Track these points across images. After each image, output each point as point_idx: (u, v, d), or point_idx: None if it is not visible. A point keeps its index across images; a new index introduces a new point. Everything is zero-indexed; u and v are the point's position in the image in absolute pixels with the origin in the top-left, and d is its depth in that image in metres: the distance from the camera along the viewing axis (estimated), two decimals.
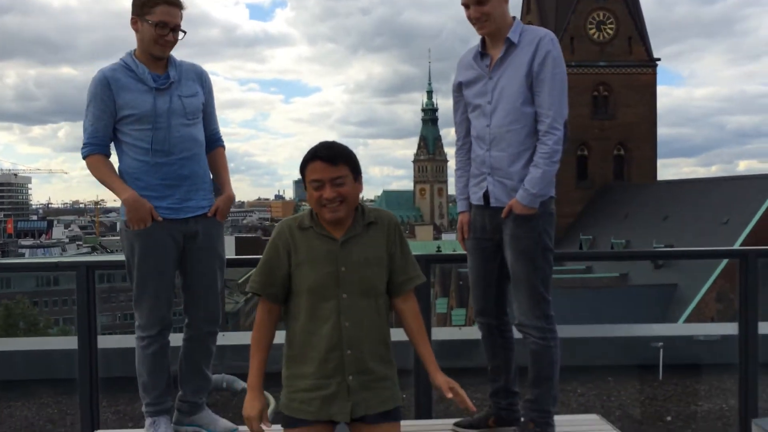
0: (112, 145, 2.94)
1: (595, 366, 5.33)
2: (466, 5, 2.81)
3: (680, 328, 5.55)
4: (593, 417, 3.22)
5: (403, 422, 2.41)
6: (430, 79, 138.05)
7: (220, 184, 3.12)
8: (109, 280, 69.50)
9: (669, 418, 4.77)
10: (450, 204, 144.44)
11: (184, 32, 2.84)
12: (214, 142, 3.12)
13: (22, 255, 78.90)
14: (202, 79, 3.03)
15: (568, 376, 4.85)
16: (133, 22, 2.83)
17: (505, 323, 3.06)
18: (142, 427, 3.02)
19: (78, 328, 3.72)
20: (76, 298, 3.74)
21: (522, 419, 2.95)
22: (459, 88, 3.02)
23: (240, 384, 3.38)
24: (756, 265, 3.82)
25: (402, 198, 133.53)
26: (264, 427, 2.31)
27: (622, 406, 4.98)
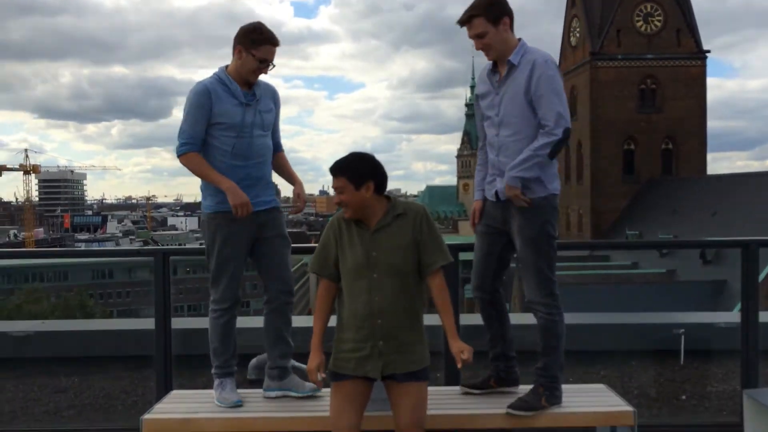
0: None
1: (620, 350, 5.64)
2: (470, 38, 3.21)
3: (702, 316, 5.75)
4: (600, 386, 3.51)
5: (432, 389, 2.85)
6: (473, 74, 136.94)
7: (290, 176, 3.63)
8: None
9: (684, 397, 5.04)
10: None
11: (274, 65, 3.34)
12: (277, 148, 3.59)
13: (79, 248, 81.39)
14: (275, 97, 3.51)
15: (594, 358, 5.13)
16: (237, 50, 3.28)
17: (497, 298, 3.43)
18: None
19: (156, 308, 4.20)
20: (153, 283, 4.23)
21: (533, 384, 3.31)
22: (477, 99, 3.44)
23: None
24: (757, 254, 4.10)
25: (445, 193, 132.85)
26: (320, 377, 2.82)
27: (641, 387, 5.27)
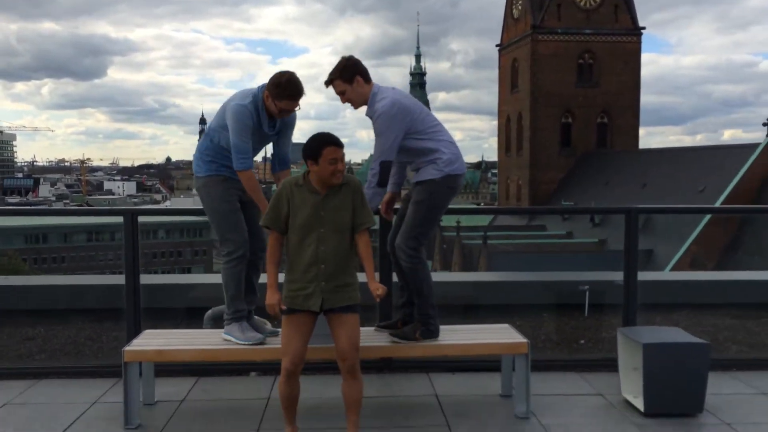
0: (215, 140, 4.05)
1: (535, 304, 6.50)
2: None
3: (604, 274, 6.64)
4: (504, 326, 4.30)
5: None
6: (418, 43, 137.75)
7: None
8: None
9: (582, 342, 5.93)
10: None
11: (299, 108, 3.93)
12: (284, 165, 4.21)
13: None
14: (292, 122, 4.11)
15: (511, 311, 5.93)
16: (266, 94, 3.86)
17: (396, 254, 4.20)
18: None
19: (125, 264, 4.73)
20: (123, 240, 4.76)
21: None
22: None
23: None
24: (637, 220, 4.94)
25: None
26: (280, 308, 3.44)
27: (547, 333, 6.15)
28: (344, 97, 3.96)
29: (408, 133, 3.95)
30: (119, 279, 4.95)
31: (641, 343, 3.95)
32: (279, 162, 4.22)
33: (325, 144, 3.40)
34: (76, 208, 41.65)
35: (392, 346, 4.03)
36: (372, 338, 4.09)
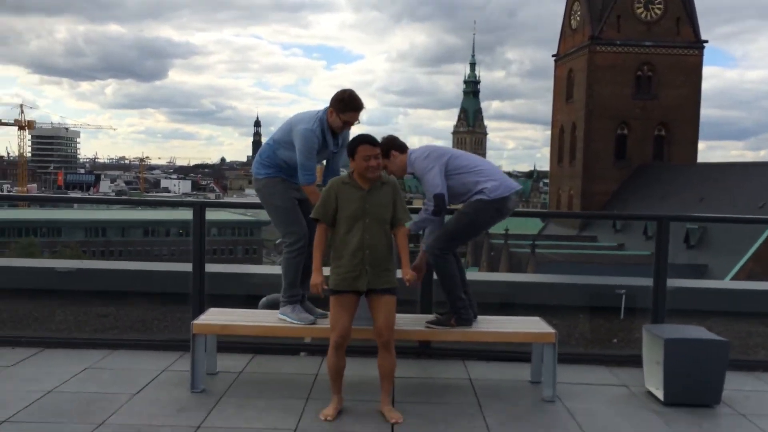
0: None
1: (573, 306, 6.79)
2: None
3: (641, 280, 6.85)
4: (536, 318, 4.65)
5: (402, 315, 4.08)
6: (473, 51, 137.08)
7: None
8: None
9: (615, 341, 6.20)
10: None
11: (359, 122, 4.37)
12: (337, 174, 4.61)
13: (71, 207, 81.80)
14: (345, 141, 4.47)
15: (548, 311, 6.24)
16: (330, 111, 4.29)
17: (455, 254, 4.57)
18: None
19: (193, 251, 5.26)
20: (192, 230, 5.29)
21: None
22: None
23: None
24: (668, 228, 5.20)
25: None
26: (322, 288, 3.88)
27: (582, 332, 6.44)
28: (387, 170, 4.38)
29: (449, 170, 4.36)
30: (184, 266, 5.46)
31: (663, 338, 4.24)
32: (330, 174, 4.59)
33: (360, 143, 3.90)
34: (151, 198, 43.36)
35: (429, 331, 4.42)
36: (412, 323, 4.49)
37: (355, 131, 4.45)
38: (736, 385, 4.69)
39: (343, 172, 4.49)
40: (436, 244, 4.41)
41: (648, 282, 6.20)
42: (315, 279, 3.92)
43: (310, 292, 4.09)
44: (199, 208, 5.28)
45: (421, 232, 4.58)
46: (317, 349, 5.19)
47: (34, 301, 6.79)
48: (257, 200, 4.77)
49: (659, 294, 5.13)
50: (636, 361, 4.92)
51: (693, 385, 4.23)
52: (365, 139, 3.93)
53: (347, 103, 4.28)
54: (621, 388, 4.64)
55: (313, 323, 4.45)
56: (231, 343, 5.19)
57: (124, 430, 3.69)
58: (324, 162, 4.57)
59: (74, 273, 7.29)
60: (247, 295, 6.58)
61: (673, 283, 6.47)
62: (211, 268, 6.29)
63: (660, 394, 4.32)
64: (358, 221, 3.88)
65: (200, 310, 5.03)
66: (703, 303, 6.91)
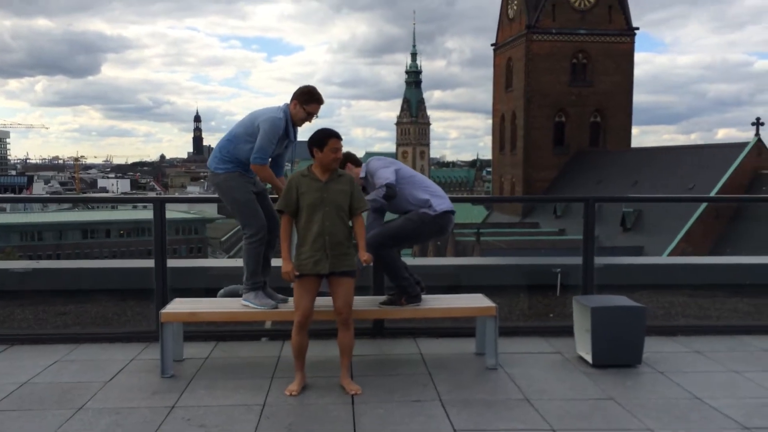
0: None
1: (514, 285, 7.30)
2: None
3: (575, 259, 7.38)
4: (479, 295, 5.11)
5: (357, 298, 4.49)
6: (414, 41, 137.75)
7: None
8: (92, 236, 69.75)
9: (551, 315, 6.73)
10: (431, 167, 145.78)
11: (318, 116, 4.73)
12: (282, 170, 5.03)
13: (4, 210, 79.07)
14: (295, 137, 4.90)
15: (491, 292, 6.72)
16: (294, 103, 4.66)
17: None
18: None
19: (155, 246, 5.51)
20: (153, 226, 5.53)
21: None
22: None
23: (241, 289, 5.22)
24: (594, 208, 5.73)
25: None
26: (294, 275, 4.23)
27: (522, 309, 6.96)
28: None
29: (400, 177, 4.81)
30: (140, 263, 5.62)
31: (590, 307, 4.75)
32: (277, 169, 4.96)
33: (330, 136, 4.27)
34: (109, 196, 42.46)
35: (383, 310, 4.82)
36: (367, 304, 4.88)
37: (304, 129, 4.84)
38: (657, 347, 5.25)
39: (288, 168, 4.87)
40: (376, 239, 4.78)
41: (578, 260, 6.74)
42: (286, 267, 4.25)
43: (283, 279, 4.40)
44: (159, 204, 5.53)
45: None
46: (277, 334, 5.53)
47: None
48: (213, 195, 5.07)
49: (588, 268, 5.66)
50: (569, 332, 5.41)
51: (617, 348, 4.75)
52: (334, 133, 4.29)
53: (312, 95, 4.67)
54: (556, 355, 5.15)
55: (275, 308, 4.78)
56: (194, 332, 5.48)
57: (104, 412, 3.96)
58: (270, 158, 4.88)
59: (30, 273, 7.39)
60: (206, 288, 6.85)
61: (602, 260, 7.06)
62: (171, 263, 6.55)
63: (589, 358, 4.83)
64: (318, 210, 4.22)
65: (164, 303, 5.30)
66: (631, 278, 7.51)
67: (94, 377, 4.60)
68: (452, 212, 4.91)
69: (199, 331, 5.57)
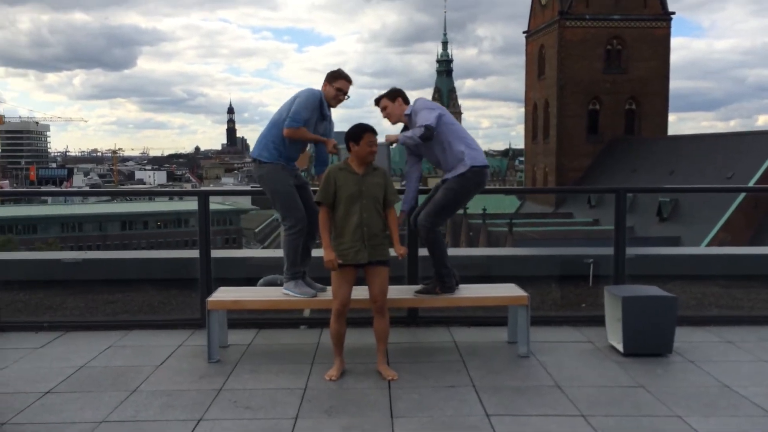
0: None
1: (547, 275, 7.41)
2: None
3: (608, 249, 7.40)
4: (511, 285, 5.25)
5: (392, 287, 4.69)
6: (445, 29, 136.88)
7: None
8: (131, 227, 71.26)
9: (583, 305, 6.82)
10: None
11: (349, 96, 5.01)
12: (325, 164, 5.24)
13: (45, 202, 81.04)
14: (332, 130, 5.22)
15: (524, 282, 6.86)
16: (325, 84, 4.99)
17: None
18: None
19: (199, 238, 5.76)
20: (198, 218, 5.78)
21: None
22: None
23: (280, 278, 5.43)
24: (625, 198, 5.81)
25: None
26: (338, 263, 4.41)
27: (555, 299, 7.07)
28: (387, 112, 5.02)
29: (443, 122, 4.90)
30: (183, 253, 5.84)
31: (621, 297, 4.86)
32: (320, 165, 5.21)
33: (366, 130, 4.45)
34: (154, 189, 43.79)
35: (418, 298, 5.00)
36: (402, 293, 5.06)
37: (340, 116, 5.06)
38: (688, 337, 5.34)
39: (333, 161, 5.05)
40: (427, 219, 4.96)
41: (607, 250, 6.79)
42: (328, 256, 4.43)
43: (323, 268, 4.57)
44: (204, 197, 5.78)
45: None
46: (316, 322, 5.75)
47: (45, 291, 7.25)
48: (257, 188, 5.29)
49: (620, 259, 5.75)
50: (601, 321, 5.52)
51: (648, 337, 4.85)
52: (370, 128, 4.48)
53: (338, 73, 5.00)
54: (587, 344, 5.27)
55: (314, 297, 4.99)
56: (237, 320, 5.73)
57: (156, 394, 4.22)
58: (312, 147, 5.17)
59: (80, 263, 7.73)
60: (246, 278, 7.11)
61: (634, 251, 7.12)
62: (214, 253, 6.81)
63: (620, 347, 4.94)
64: (356, 202, 4.42)
65: (208, 291, 5.55)
66: (664, 269, 7.56)
67: (145, 362, 4.87)
68: (487, 167, 5.04)
69: (241, 318, 5.81)
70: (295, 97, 4.99)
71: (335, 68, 5.09)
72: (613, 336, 5.09)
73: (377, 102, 5.12)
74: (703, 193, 37.98)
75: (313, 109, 4.92)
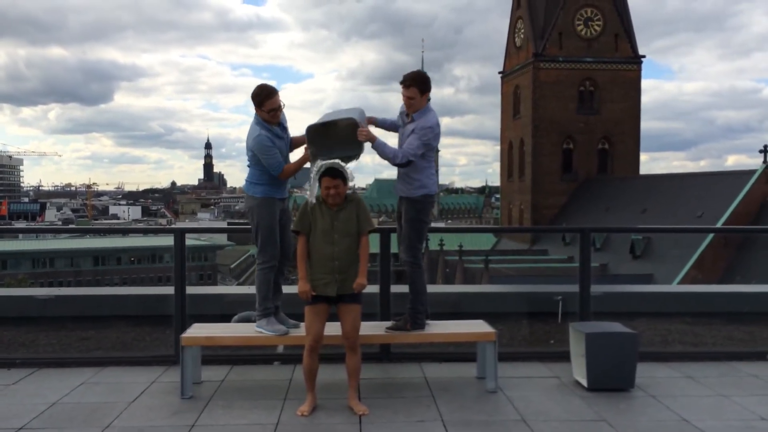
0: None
1: (517, 312, 7.57)
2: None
3: (575, 287, 7.57)
4: (480, 321, 5.39)
5: (364, 323, 4.80)
6: (422, 68, 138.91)
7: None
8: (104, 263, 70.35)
9: (552, 341, 6.97)
10: (441, 194, 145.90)
11: (284, 105, 5.01)
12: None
13: (16, 237, 79.77)
14: (286, 124, 5.22)
15: (496, 318, 6.99)
16: (257, 111, 4.96)
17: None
18: None
19: (174, 274, 5.85)
20: (173, 255, 5.87)
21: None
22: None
23: (254, 315, 5.52)
24: (590, 238, 6.02)
25: (392, 186, 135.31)
26: (311, 294, 4.52)
27: (524, 335, 7.22)
28: (410, 101, 5.09)
29: (428, 151, 5.11)
30: (157, 290, 5.88)
31: (584, 333, 5.03)
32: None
33: (323, 174, 4.58)
34: (129, 227, 43.46)
35: (390, 334, 5.12)
36: (374, 329, 5.18)
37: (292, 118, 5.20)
38: (650, 372, 5.51)
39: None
40: (409, 255, 5.15)
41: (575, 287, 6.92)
42: (303, 287, 4.57)
43: (296, 301, 4.69)
44: (180, 234, 5.88)
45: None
46: (289, 358, 5.82)
47: (16, 327, 7.22)
48: (233, 224, 5.40)
49: (584, 296, 5.94)
50: (568, 357, 5.67)
51: (611, 373, 5.01)
52: (327, 172, 4.57)
53: (258, 95, 4.96)
54: (553, 380, 5.41)
55: (287, 333, 5.08)
56: (211, 356, 5.78)
57: (129, 430, 4.27)
58: (288, 153, 5.23)
59: (53, 300, 7.73)
60: (221, 314, 7.16)
61: (600, 288, 7.33)
62: (189, 289, 6.88)
63: (585, 382, 5.09)
64: (328, 235, 4.57)
65: (183, 328, 5.61)
66: (630, 306, 7.76)
67: (118, 398, 4.90)
68: (435, 193, 5.30)
69: (215, 355, 5.86)
70: (246, 146, 5.06)
71: (255, 89, 4.97)
72: (578, 371, 5.24)
73: (406, 85, 5.06)
74: (668, 233, 38.57)
75: (271, 146, 4.97)
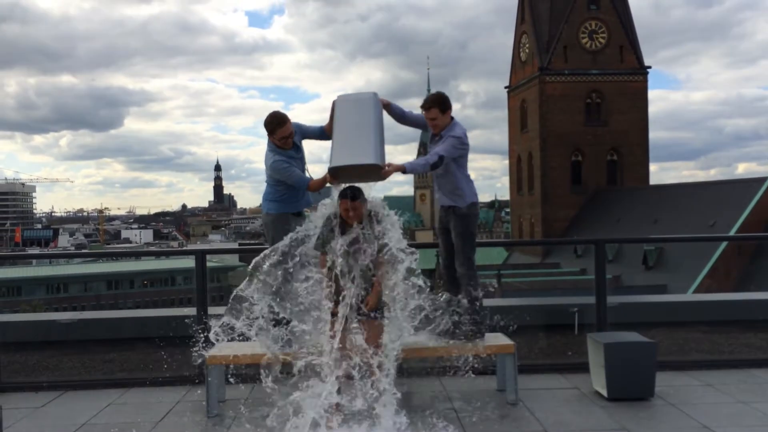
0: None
1: (534, 325, 7.60)
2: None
3: (590, 299, 7.55)
4: (498, 334, 5.45)
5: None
6: (428, 85, 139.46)
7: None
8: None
9: (569, 353, 7.01)
10: None
11: (294, 132, 5.17)
12: (318, 132, 5.54)
13: (30, 264, 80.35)
14: (301, 144, 5.41)
15: (513, 332, 7.06)
16: (270, 138, 5.15)
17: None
18: None
19: (197, 295, 5.96)
20: (195, 275, 5.99)
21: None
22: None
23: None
24: (604, 249, 6.08)
25: (402, 203, 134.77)
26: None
27: (542, 348, 7.26)
28: (433, 122, 5.25)
29: (458, 158, 5.24)
30: (177, 311, 5.99)
31: (603, 343, 5.09)
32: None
33: (341, 197, 4.73)
34: (149, 249, 44.06)
35: (407, 348, 5.14)
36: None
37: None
38: (669, 381, 5.55)
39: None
40: (466, 267, 5.24)
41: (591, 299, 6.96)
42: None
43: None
44: (201, 256, 6.00)
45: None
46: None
47: (40, 352, 7.34)
48: (245, 245, 5.53)
49: (601, 307, 5.99)
50: (586, 368, 5.72)
51: (630, 382, 5.06)
52: (344, 195, 4.72)
53: (270, 123, 5.16)
54: (573, 390, 5.46)
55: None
56: (235, 374, 5.86)
57: None
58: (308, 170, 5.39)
59: (75, 323, 7.85)
60: (241, 334, 7.25)
61: (616, 299, 7.37)
62: (211, 310, 6.98)
63: (604, 392, 5.14)
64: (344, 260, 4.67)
65: (205, 347, 5.70)
66: (647, 316, 7.79)
67: (145, 418, 5.00)
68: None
69: (238, 373, 5.94)
70: (265, 168, 5.24)
71: (266, 118, 5.17)
72: (598, 381, 5.29)
73: (426, 107, 5.24)
74: (680, 242, 38.43)
75: (288, 166, 5.13)
